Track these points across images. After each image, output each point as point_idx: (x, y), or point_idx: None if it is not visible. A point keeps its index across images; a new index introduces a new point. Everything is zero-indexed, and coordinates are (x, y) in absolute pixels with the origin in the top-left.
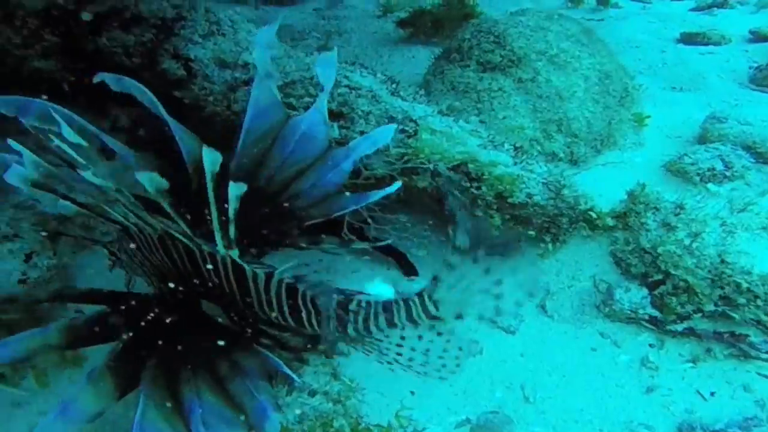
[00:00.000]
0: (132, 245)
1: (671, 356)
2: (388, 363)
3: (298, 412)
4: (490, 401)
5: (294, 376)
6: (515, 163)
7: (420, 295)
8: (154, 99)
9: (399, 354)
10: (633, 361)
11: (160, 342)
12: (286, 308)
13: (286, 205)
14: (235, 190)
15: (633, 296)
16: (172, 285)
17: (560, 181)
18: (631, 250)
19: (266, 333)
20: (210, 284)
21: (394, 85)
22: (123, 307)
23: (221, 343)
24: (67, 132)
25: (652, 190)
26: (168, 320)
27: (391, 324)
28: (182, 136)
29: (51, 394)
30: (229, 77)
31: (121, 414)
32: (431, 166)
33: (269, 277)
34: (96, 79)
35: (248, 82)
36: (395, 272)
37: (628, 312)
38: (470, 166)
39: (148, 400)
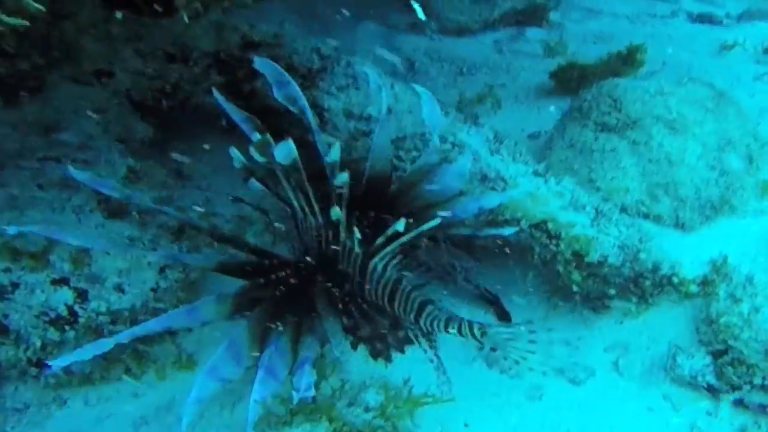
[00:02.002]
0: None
1: (721, 425)
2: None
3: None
4: None
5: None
6: (592, 225)
7: (475, 323)
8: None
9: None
10: (683, 425)
11: (277, 293)
12: (387, 296)
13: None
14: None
15: (695, 363)
16: (309, 258)
17: (637, 245)
18: (703, 319)
19: (360, 309)
20: (339, 265)
21: (496, 144)
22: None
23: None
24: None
25: (733, 260)
26: (291, 281)
27: (446, 329)
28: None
29: (164, 388)
30: (352, 127)
31: None
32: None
33: (384, 270)
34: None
35: (367, 134)
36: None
37: (688, 378)
38: (549, 224)
39: (249, 328)
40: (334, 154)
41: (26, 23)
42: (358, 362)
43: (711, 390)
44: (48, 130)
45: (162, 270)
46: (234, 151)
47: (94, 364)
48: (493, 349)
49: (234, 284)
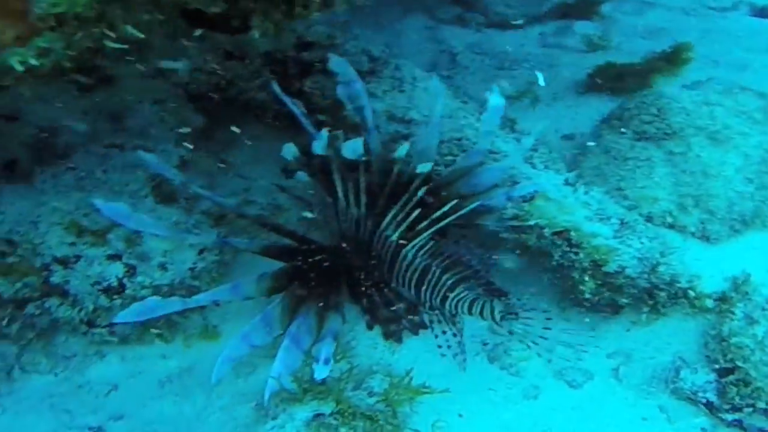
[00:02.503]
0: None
1: None
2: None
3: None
4: None
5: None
6: (615, 236)
7: (497, 307)
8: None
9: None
10: None
11: (311, 275)
12: (415, 281)
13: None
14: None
15: (697, 379)
16: (345, 245)
17: (657, 257)
18: (714, 335)
19: (382, 293)
20: (372, 252)
21: (531, 152)
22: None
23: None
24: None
25: (757, 277)
26: (326, 264)
27: (469, 311)
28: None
29: (189, 355)
30: (393, 130)
31: None
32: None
33: (413, 258)
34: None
35: (407, 137)
36: None
37: (688, 392)
38: (572, 233)
39: (283, 302)
40: (401, 151)
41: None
42: (366, 349)
43: (710, 407)
44: (114, 118)
45: (201, 252)
46: (289, 146)
47: (133, 328)
48: (510, 332)
49: (271, 266)
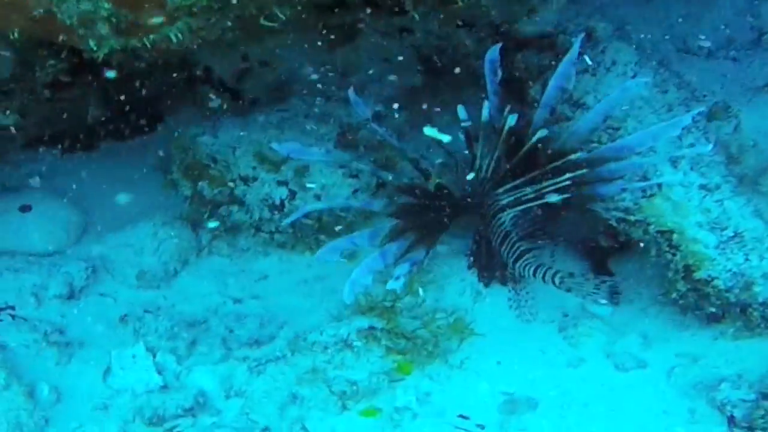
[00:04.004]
0: None
1: None
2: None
3: None
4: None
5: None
6: (717, 247)
7: (556, 272)
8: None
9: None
10: None
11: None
12: (499, 241)
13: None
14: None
15: (734, 394)
16: (469, 199)
17: (757, 278)
18: None
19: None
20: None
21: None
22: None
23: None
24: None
25: None
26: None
27: (533, 275)
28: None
29: (327, 267)
30: (561, 111)
31: None
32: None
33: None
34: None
35: (569, 119)
36: None
37: (719, 403)
38: (675, 235)
39: (392, 226)
40: (510, 121)
41: None
42: (452, 293)
43: (731, 421)
44: (344, 71)
45: (355, 192)
46: (461, 109)
47: (291, 237)
48: (568, 290)
49: None
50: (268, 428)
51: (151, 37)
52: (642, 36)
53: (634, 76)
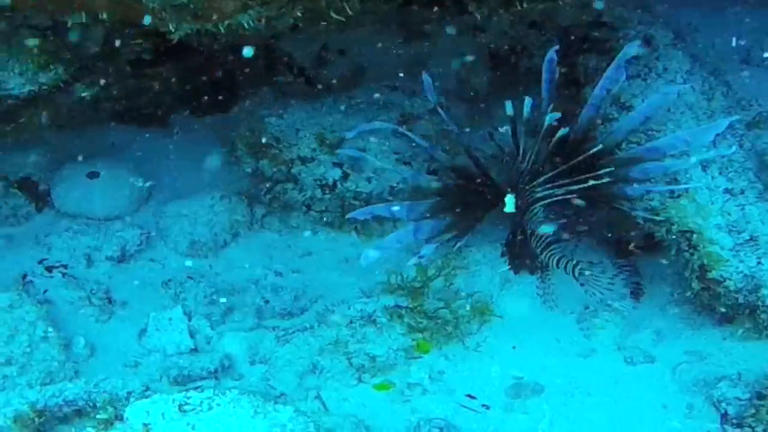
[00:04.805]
0: None
1: None
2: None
3: None
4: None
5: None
6: (732, 249)
7: (577, 264)
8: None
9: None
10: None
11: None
12: (530, 231)
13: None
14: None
15: (731, 392)
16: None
17: (763, 281)
18: None
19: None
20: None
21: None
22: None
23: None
24: None
25: None
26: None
27: (556, 266)
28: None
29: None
30: (608, 112)
31: None
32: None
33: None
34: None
35: (612, 120)
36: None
37: (715, 399)
38: (694, 236)
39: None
40: (549, 119)
41: None
42: (484, 280)
43: (724, 418)
44: (415, 64)
45: (404, 179)
46: (508, 103)
47: (336, 218)
48: (582, 285)
49: None
50: (285, 395)
51: (226, 23)
52: (704, 45)
53: (684, 83)
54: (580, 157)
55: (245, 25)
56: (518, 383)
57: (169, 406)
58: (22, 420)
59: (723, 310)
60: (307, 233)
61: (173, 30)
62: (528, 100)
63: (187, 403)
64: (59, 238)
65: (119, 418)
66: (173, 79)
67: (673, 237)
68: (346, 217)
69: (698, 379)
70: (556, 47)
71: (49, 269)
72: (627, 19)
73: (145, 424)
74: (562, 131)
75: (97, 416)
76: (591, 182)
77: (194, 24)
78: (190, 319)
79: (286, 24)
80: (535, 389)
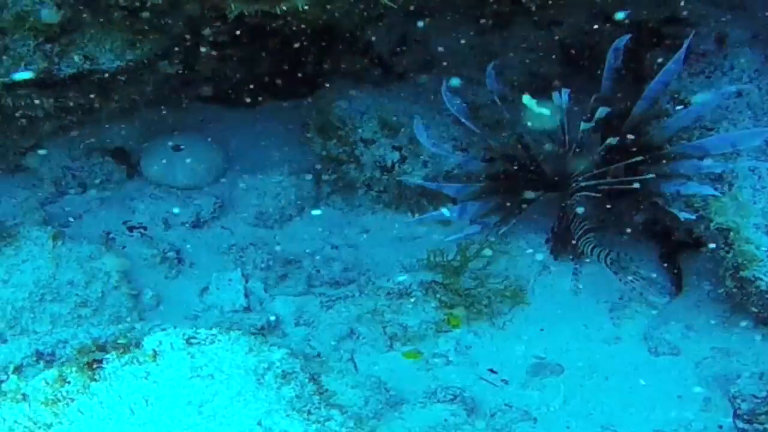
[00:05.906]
0: None
1: None
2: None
3: None
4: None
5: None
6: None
7: (608, 253)
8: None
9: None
10: (683, 420)
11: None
12: (571, 217)
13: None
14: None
15: (749, 389)
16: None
17: None
18: None
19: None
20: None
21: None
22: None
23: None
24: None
25: None
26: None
27: (590, 253)
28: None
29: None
30: (665, 107)
31: None
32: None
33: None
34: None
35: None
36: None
37: (731, 394)
38: (731, 233)
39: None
40: (600, 114)
41: None
42: (522, 264)
43: (736, 413)
44: (489, 56)
45: (459, 165)
46: (527, 98)
47: (394, 199)
48: (615, 273)
49: None
50: (321, 355)
51: (283, 6)
52: None
53: (749, 82)
54: (629, 161)
55: (300, 7)
56: (540, 363)
57: (179, 338)
58: (83, 350)
59: (754, 309)
60: (368, 212)
61: (232, 9)
62: (565, 91)
63: (194, 337)
64: (142, 203)
65: (137, 345)
66: (259, 64)
67: (712, 234)
68: (398, 179)
69: (720, 375)
70: (627, 36)
71: (131, 229)
72: (704, 16)
73: (154, 350)
74: (610, 140)
75: (118, 341)
76: (635, 185)
77: (249, 6)
78: (247, 281)
79: (343, 9)
80: (555, 369)
